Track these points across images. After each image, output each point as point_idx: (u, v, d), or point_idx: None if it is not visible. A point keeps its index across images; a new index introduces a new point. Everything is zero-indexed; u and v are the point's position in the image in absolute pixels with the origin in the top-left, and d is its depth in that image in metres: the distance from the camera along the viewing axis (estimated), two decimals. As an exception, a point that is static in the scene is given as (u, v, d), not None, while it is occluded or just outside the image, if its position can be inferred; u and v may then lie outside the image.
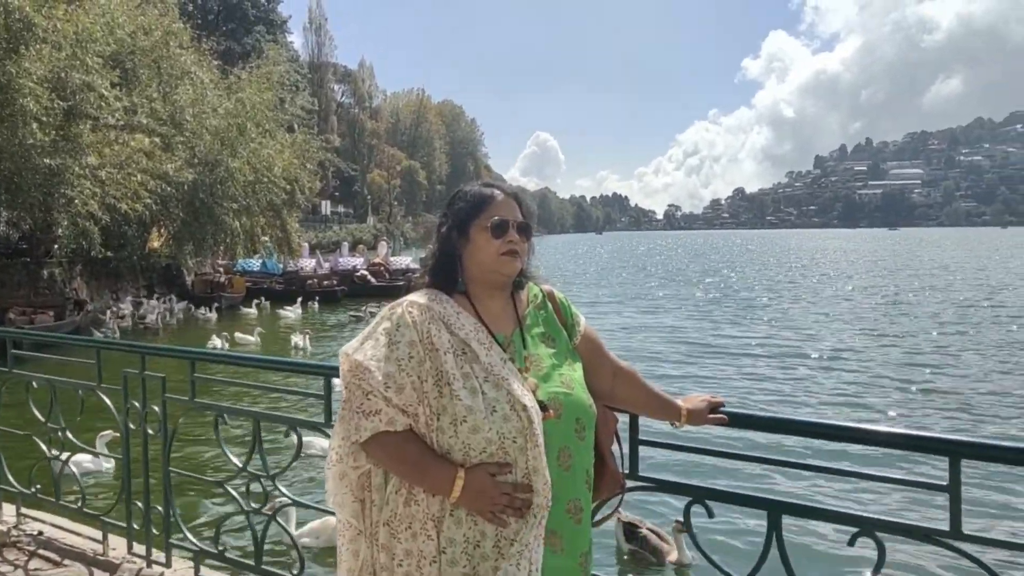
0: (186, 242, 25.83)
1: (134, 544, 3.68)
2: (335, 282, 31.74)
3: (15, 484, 4.22)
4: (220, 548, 3.31)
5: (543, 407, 1.74)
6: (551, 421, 1.74)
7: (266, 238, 30.72)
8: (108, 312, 22.18)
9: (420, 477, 1.70)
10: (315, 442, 7.01)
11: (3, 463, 4.27)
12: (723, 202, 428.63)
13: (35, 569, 3.73)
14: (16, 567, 3.74)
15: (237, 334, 19.15)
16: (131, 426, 3.64)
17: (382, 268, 34.46)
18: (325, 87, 80.00)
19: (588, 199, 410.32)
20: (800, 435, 2.45)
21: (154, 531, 3.58)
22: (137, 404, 3.55)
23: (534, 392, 1.76)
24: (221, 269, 31.48)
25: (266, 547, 3.26)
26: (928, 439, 2.15)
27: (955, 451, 1.90)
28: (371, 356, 1.72)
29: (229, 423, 3.35)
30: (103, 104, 19.26)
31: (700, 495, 2.23)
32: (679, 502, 2.28)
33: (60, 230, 19.83)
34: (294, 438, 3.10)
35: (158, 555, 3.58)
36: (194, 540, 3.41)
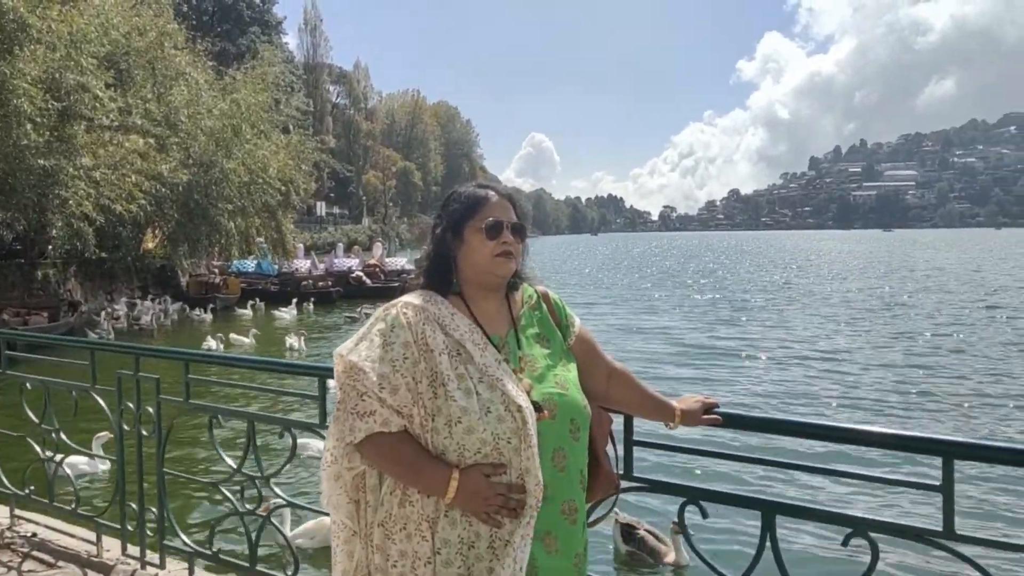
0: (181, 243, 25.79)
1: (128, 545, 3.67)
2: (330, 283, 31.72)
3: (9, 486, 4.21)
4: (214, 550, 3.31)
5: (537, 408, 1.73)
6: (545, 422, 1.74)
7: (261, 239, 30.69)
8: (102, 313, 22.13)
9: (415, 478, 1.70)
10: (310, 443, 7.00)
11: (-3, 465, 4.27)
12: (718, 203, 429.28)
13: (29, 571, 3.72)
14: (10, 569, 3.73)
15: (232, 335, 19.12)
16: (125, 427, 3.63)
17: (377, 269, 34.42)
18: (320, 88, 79.90)
19: (583, 200, 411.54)
20: (794, 436, 2.45)
21: (148, 532, 3.58)
22: (131, 405, 3.55)
23: (528, 393, 1.76)
24: (216, 270, 31.41)
25: (260, 548, 3.26)
26: (921, 439, 2.16)
27: (947, 451, 1.91)
28: (366, 357, 1.72)
29: (223, 424, 3.35)
30: (97, 105, 19.23)
31: (694, 496, 2.23)
32: (674, 503, 2.27)
33: (54, 231, 19.76)
34: (288, 439, 3.10)
35: (152, 556, 3.58)
36: (188, 542, 3.40)
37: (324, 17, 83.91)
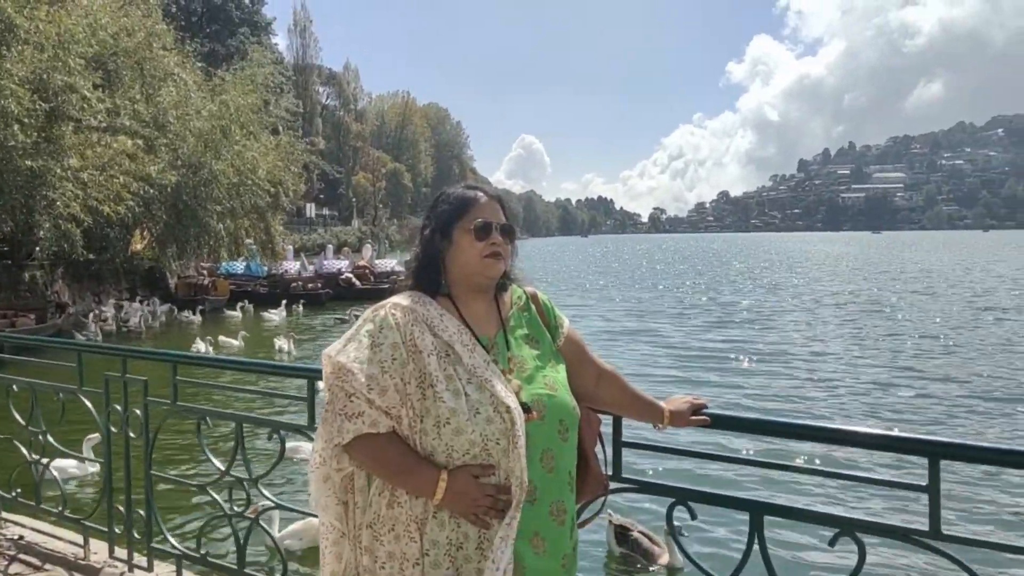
0: (169, 244, 25.68)
1: (115, 548, 3.65)
2: (320, 285, 31.58)
3: (-5, 489, 4.18)
4: (202, 552, 3.29)
5: (526, 409, 1.73)
6: (534, 423, 1.74)
7: (250, 241, 30.61)
8: (90, 315, 21.97)
9: (403, 479, 1.70)
10: (301, 446, 6.98)
11: (-18, 467, 4.24)
12: (708, 205, 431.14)
13: (15, 573, 3.70)
14: (-4, 572, 3.71)
15: (221, 337, 19.02)
16: (113, 430, 3.61)
17: (367, 271, 34.31)
18: (310, 89, 79.72)
19: (573, 202, 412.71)
20: (781, 436, 2.44)
21: (136, 535, 3.55)
22: (119, 407, 3.53)
23: (517, 394, 1.76)
24: (205, 272, 31.28)
25: (249, 550, 3.25)
26: (907, 440, 2.17)
27: (933, 452, 1.92)
28: (354, 358, 1.71)
29: (212, 426, 3.34)
30: (85, 106, 19.15)
31: (683, 496, 2.23)
32: (665, 505, 2.28)
33: (42, 232, 19.66)
34: (277, 441, 3.09)
35: (140, 559, 3.56)
36: (176, 544, 3.39)
37: (314, 18, 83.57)
